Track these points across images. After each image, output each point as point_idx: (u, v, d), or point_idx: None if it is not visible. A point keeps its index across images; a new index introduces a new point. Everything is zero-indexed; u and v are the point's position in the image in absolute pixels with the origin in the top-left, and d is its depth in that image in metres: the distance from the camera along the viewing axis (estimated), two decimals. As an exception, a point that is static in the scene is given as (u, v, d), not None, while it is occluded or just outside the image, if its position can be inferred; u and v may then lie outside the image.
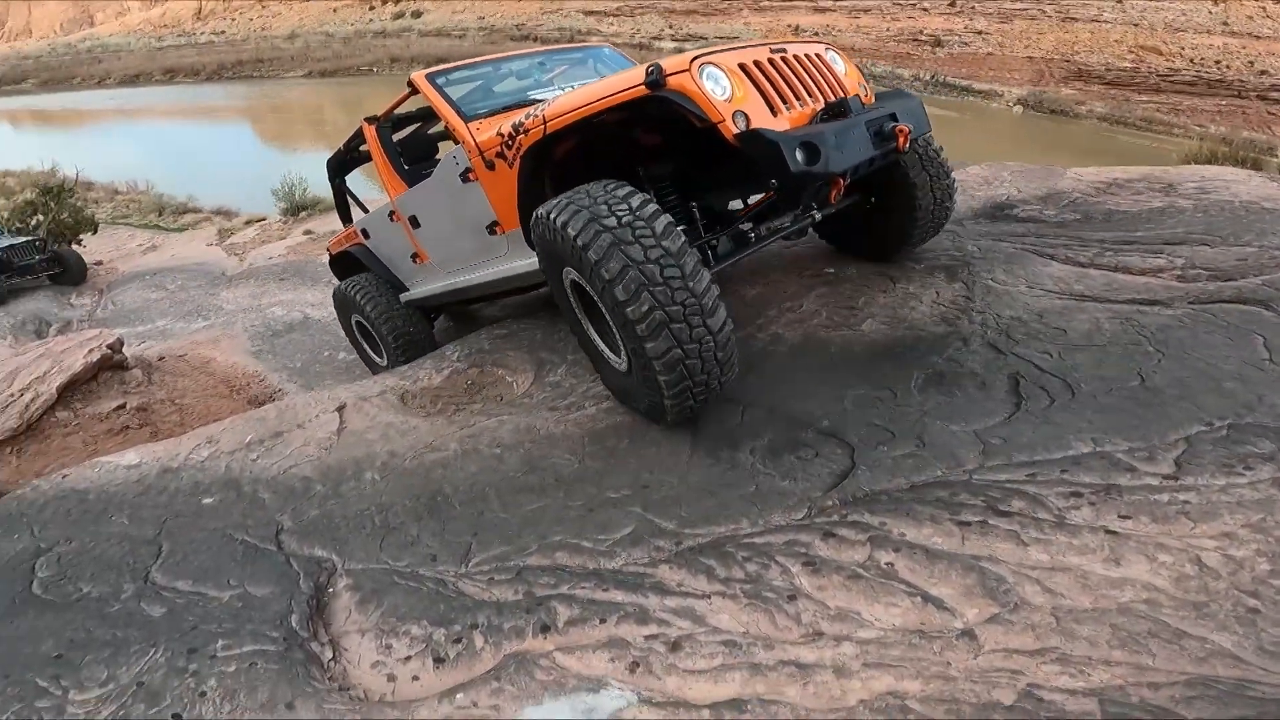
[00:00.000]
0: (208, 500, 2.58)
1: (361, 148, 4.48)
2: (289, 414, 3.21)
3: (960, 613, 1.56)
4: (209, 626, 1.89)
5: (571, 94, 2.71)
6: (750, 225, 2.85)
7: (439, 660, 1.69)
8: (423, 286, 4.35)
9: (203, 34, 63.67)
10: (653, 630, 1.65)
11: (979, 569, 1.66)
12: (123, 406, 4.73)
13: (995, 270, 3.34)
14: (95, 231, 14.09)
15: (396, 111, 4.10)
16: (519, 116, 2.88)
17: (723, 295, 2.24)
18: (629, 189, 2.29)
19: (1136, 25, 32.08)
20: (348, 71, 45.38)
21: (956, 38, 34.83)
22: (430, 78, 3.58)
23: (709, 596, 1.71)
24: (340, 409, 3.18)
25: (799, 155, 2.26)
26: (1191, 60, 30.72)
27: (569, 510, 2.18)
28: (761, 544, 1.86)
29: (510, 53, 4.18)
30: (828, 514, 1.94)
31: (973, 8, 35.55)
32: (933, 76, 32.70)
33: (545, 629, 1.71)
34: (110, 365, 5.06)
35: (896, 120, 2.59)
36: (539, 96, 3.43)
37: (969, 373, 2.53)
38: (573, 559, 1.95)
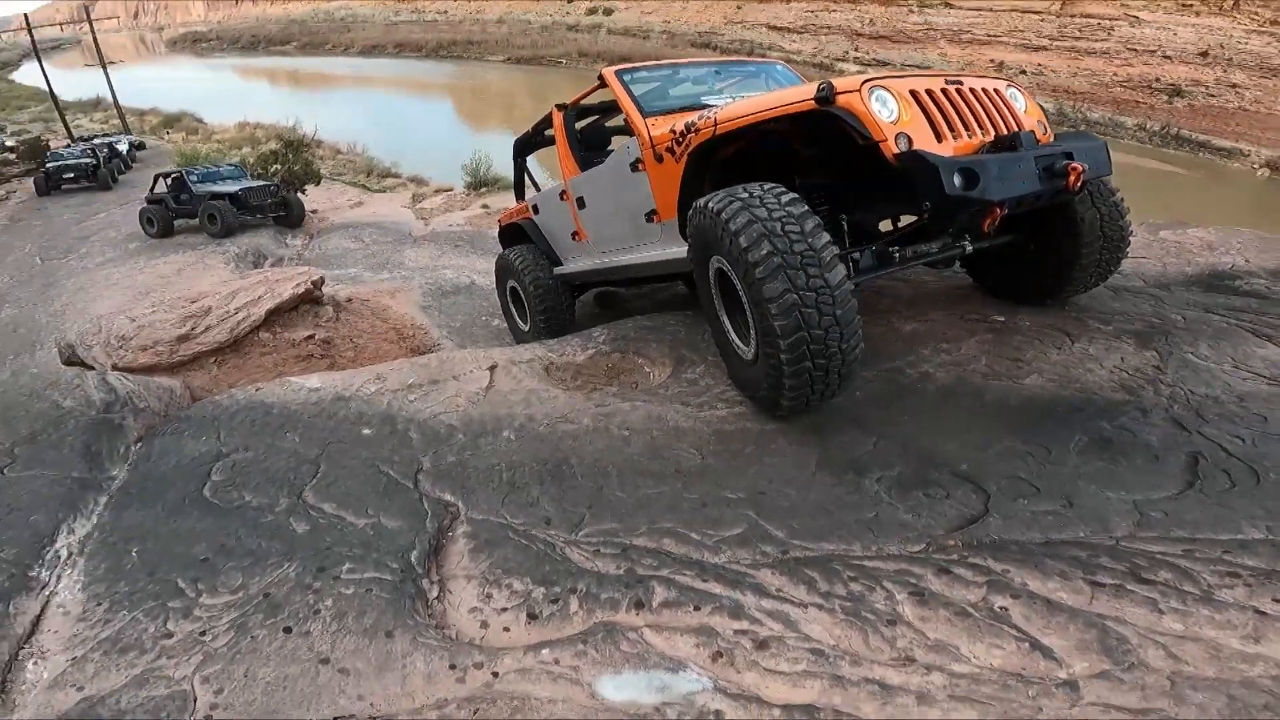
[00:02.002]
0: (366, 431, 2.85)
1: (546, 131, 4.84)
2: (448, 365, 3.49)
3: (1067, 664, 1.47)
4: (341, 549, 2.08)
5: (744, 101, 2.89)
6: (896, 246, 2.90)
7: (532, 616, 1.77)
8: (576, 263, 4.66)
9: (429, 12, 70.11)
10: (743, 626, 1.65)
11: (1101, 626, 1.54)
12: (312, 337, 5.36)
13: (1199, 344, 2.98)
14: (318, 184, 16.04)
15: (583, 102, 4.41)
16: (692, 117, 3.07)
17: (877, 326, 2.20)
18: (783, 190, 2.43)
19: None
20: (541, 61, 48.33)
21: (1203, 89, 30.92)
22: (618, 74, 3.89)
23: (806, 606, 1.69)
24: (491, 369, 3.41)
25: (956, 180, 2.31)
26: None
27: (683, 501, 2.22)
28: (871, 568, 1.81)
29: (690, 59, 4.40)
30: (947, 552, 1.85)
31: (1229, 60, 31.38)
32: (1163, 128, 29.26)
33: (639, 605, 1.76)
34: (310, 299, 5.76)
35: (1072, 158, 2.55)
36: (711, 102, 3.59)
37: (1141, 444, 2.29)
38: (678, 547, 1.99)
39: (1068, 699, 1.40)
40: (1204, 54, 31.95)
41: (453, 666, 1.63)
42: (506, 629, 1.75)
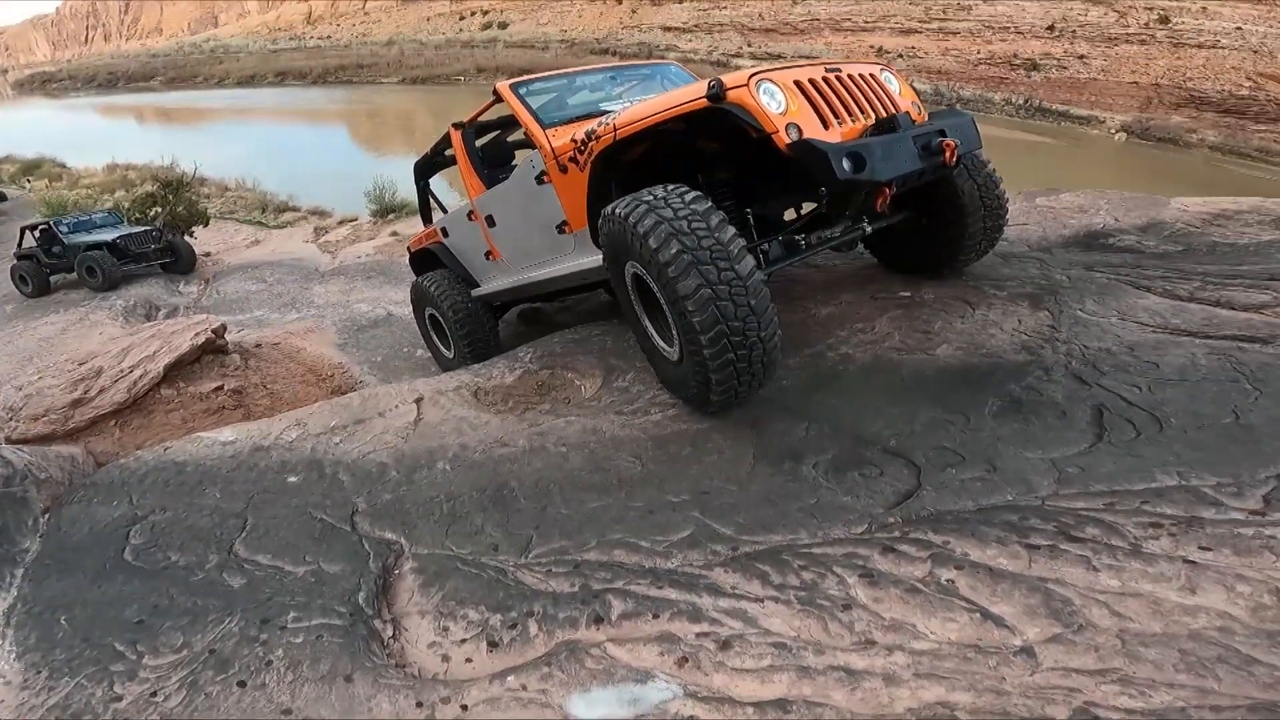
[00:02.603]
0: (292, 479, 2.73)
1: (447, 151, 4.75)
2: (371, 402, 3.38)
3: (1020, 631, 1.53)
4: (283, 599, 2.00)
5: (640, 105, 2.93)
6: (802, 234, 3.00)
7: (493, 644, 1.74)
8: (494, 282, 4.59)
9: (311, 38, 67.65)
10: (704, 628, 1.67)
11: (1044, 590, 1.62)
12: (220, 388, 5.06)
13: (1085, 300, 3.21)
14: (206, 225, 15.13)
15: (480, 119, 4.35)
16: (592, 124, 3.09)
17: (795, 314, 2.25)
18: (687, 189, 2.48)
19: (1256, 52, 30.00)
20: (437, 79, 47.44)
21: (1055, 62, 33.43)
22: (513, 87, 3.86)
23: (762, 600, 1.72)
24: (418, 401, 3.33)
25: (845, 164, 2.42)
26: (1316, 90, 28.47)
27: (629, 511, 2.22)
28: (819, 554, 1.85)
29: (585, 67, 4.37)
30: (889, 530, 1.92)
31: (1074, 32, 34.08)
32: (1026, 101, 31.49)
33: (598, 620, 1.75)
34: (212, 349, 5.43)
35: (945, 135, 2.71)
36: (609, 108, 3.62)
37: (1049, 402, 2.45)
38: (630, 557, 1.99)
39: (1027, 666, 1.45)
40: (1051, 28, 34.57)
41: (419, 704, 1.58)
42: (469, 660, 1.72)
